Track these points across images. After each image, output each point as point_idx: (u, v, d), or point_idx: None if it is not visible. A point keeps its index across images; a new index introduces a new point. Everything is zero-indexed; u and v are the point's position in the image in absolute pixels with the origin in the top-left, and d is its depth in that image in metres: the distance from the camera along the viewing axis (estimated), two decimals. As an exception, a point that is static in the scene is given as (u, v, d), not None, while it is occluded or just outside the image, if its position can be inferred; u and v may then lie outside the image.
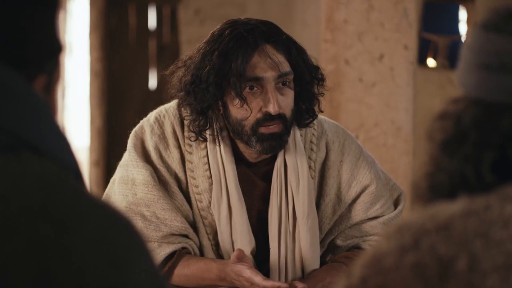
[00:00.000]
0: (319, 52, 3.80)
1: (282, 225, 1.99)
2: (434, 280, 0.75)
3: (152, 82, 6.54)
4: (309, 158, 2.03)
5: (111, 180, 2.11)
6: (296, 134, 2.02)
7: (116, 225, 0.79)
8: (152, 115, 2.05)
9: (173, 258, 1.99)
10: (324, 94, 2.00)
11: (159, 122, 2.03)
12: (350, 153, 2.06)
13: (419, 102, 4.27)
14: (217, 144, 1.98)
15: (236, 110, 1.91)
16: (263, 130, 1.91)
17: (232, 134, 1.97)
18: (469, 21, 6.37)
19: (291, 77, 1.92)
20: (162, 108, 2.06)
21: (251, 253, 2.00)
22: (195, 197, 2.01)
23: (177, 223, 1.97)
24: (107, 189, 2.11)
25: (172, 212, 1.97)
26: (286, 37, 1.93)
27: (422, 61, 6.17)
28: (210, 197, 1.99)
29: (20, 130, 0.80)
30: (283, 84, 1.92)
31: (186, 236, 2.01)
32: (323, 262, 2.07)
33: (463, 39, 6.41)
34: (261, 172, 2.03)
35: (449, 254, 0.76)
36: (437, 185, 0.89)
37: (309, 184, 1.99)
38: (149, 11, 6.59)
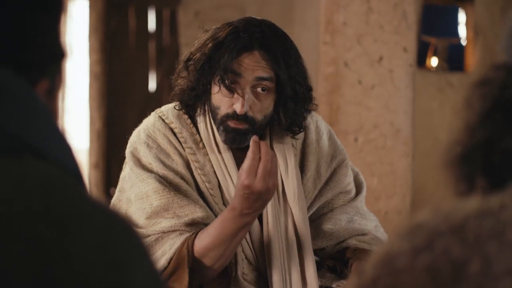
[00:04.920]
0: (318, 55, 3.80)
1: (274, 205, 2.11)
2: (447, 283, 0.74)
3: (152, 84, 6.54)
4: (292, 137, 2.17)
5: (114, 198, 2.15)
6: None
7: (116, 227, 0.79)
8: (141, 134, 2.13)
9: (190, 238, 2.01)
10: (309, 112, 2.14)
11: (151, 137, 2.11)
12: (324, 132, 2.22)
13: (418, 104, 4.27)
14: (210, 130, 2.11)
15: (214, 97, 2.07)
16: (229, 123, 2.05)
17: (209, 117, 2.11)
18: (468, 24, 6.36)
19: (270, 84, 2.04)
20: (147, 124, 2.15)
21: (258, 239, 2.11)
22: (209, 192, 2.09)
23: (199, 214, 2.03)
24: (112, 202, 2.14)
25: (190, 206, 2.03)
26: (283, 50, 2.04)
27: (421, 64, 6.17)
28: (221, 192, 2.10)
29: (21, 133, 0.80)
30: (263, 90, 2.04)
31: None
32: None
33: (462, 41, 6.41)
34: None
35: (463, 256, 0.75)
36: (470, 155, 0.86)
37: (296, 166, 2.14)
38: (149, 13, 6.60)
